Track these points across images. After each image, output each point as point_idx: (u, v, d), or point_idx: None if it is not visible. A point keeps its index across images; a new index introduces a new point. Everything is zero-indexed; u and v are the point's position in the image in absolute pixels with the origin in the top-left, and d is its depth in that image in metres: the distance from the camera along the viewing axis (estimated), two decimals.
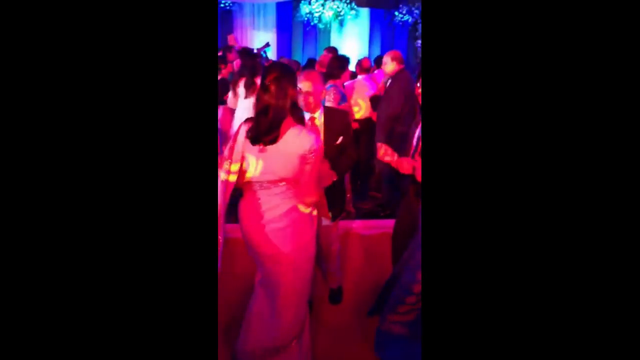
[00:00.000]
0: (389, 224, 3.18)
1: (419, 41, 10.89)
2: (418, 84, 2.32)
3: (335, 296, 2.98)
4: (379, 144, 2.32)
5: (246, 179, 1.99)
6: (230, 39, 7.19)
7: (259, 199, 1.99)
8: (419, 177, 2.23)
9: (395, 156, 2.30)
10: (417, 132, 2.35)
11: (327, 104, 3.90)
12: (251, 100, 3.89)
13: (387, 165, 2.39)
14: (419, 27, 10.72)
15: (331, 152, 2.43)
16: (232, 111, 4.24)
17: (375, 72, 5.53)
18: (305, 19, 9.87)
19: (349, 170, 2.87)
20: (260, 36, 9.88)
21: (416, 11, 10.38)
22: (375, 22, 10.74)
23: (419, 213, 2.21)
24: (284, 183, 1.96)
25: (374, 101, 4.73)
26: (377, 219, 4.42)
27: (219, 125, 4.12)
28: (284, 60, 6.13)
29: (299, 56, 9.93)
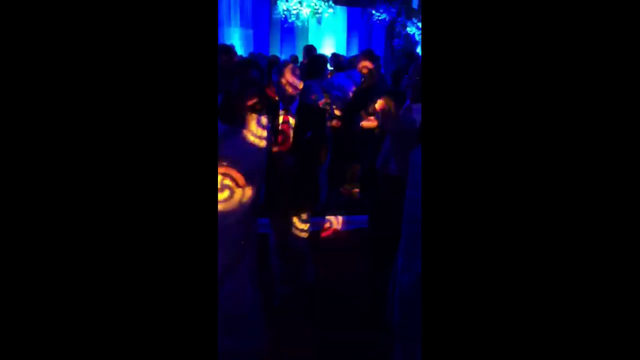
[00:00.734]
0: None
1: (397, 39, 11.00)
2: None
3: None
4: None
5: None
6: None
7: None
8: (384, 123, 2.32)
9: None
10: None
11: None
12: None
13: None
14: (397, 25, 10.82)
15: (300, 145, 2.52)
16: None
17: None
18: (283, 16, 9.84)
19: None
20: (237, 33, 9.82)
21: (393, 9, 10.47)
22: (352, 20, 10.79)
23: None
24: None
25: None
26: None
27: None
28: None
29: (277, 53, 9.91)
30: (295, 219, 2.76)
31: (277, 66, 2.68)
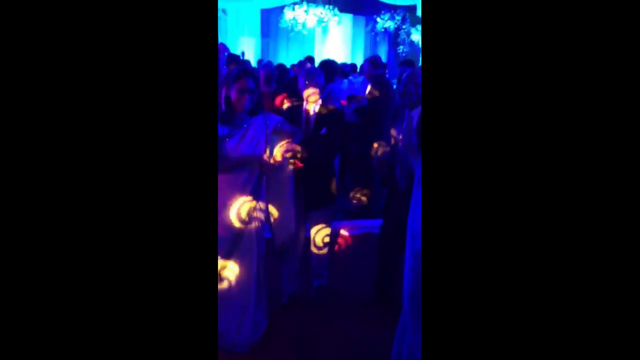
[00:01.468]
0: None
1: (401, 46, 11.14)
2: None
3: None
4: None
5: None
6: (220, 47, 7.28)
7: None
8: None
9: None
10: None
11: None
12: None
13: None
14: (401, 32, 10.97)
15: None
16: None
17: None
18: (289, 25, 10.02)
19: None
20: (245, 42, 9.99)
21: (398, 17, 10.63)
22: (357, 27, 10.94)
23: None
24: None
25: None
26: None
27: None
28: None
29: (285, 61, 10.07)
30: (315, 237, 2.83)
31: (303, 70, 2.80)
